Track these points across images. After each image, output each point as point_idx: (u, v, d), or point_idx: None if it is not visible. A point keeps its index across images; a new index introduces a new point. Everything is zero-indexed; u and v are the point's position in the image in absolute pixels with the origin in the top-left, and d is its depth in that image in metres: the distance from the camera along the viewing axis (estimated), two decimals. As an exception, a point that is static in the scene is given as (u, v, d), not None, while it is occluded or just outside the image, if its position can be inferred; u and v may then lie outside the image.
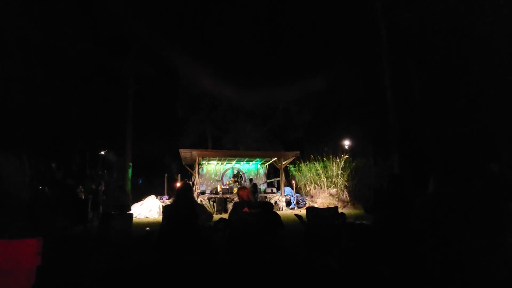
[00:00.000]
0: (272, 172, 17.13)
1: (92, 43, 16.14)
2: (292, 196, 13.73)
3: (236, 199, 10.99)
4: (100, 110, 19.78)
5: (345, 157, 14.33)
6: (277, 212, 4.28)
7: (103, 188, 9.84)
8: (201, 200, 12.10)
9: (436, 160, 13.48)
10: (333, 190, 13.92)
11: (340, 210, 4.35)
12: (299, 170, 15.37)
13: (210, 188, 14.12)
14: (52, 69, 16.50)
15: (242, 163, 15.49)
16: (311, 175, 14.72)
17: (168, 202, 11.97)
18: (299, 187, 15.12)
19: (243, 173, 15.41)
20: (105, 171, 16.14)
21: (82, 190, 8.55)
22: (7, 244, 1.43)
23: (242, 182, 14.73)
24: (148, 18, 17.61)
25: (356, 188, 13.90)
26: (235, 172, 15.15)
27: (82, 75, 17.65)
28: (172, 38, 18.98)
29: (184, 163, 15.27)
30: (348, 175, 14.10)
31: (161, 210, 11.00)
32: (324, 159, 14.65)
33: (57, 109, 17.46)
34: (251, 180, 11.69)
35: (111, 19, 16.04)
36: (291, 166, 15.69)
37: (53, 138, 17.42)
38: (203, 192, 12.92)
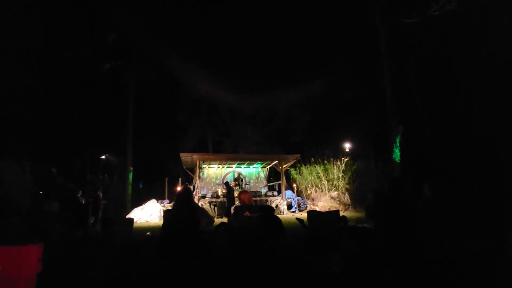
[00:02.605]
0: (273, 175, 17.11)
1: (93, 48, 16.23)
2: (293, 199, 13.69)
3: (237, 202, 10.97)
4: (101, 114, 19.85)
5: (345, 159, 14.31)
6: (278, 215, 4.27)
7: (102, 193, 9.80)
8: (202, 204, 12.07)
9: (436, 163, 13.46)
10: (334, 193, 13.88)
11: (341, 213, 4.34)
12: (300, 173, 15.35)
13: (211, 192, 14.10)
14: (53, 75, 16.59)
15: (242, 166, 15.48)
16: (312, 178, 14.69)
17: (168, 206, 11.95)
18: (300, 190, 15.09)
19: (244, 177, 15.40)
20: (106, 175, 16.14)
21: (82, 194, 8.53)
22: (8, 251, 1.43)
23: (243, 185, 14.72)
24: (149, 24, 17.72)
25: (358, 191, 13.86)
26: (236, 175, 15.14)
27: (83, 80, 17.73)
28: (173, 43, 19.10)
29: (185, 167, 15.27)
30: (349, 178, 14.07)
31: (162, 214, 10.98)
32: (325, 162, 14.63)
33: (57, 114, 17.53)
34: (226, 183, 11.08)
35: (112, 25, 16.15)
36: (292, 169, 15.67)
37: (54, 143, 17.45)
38: (204, 196, 12.90)
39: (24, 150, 13.12)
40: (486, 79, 12.74)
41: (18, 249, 1.45)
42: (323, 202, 13.59)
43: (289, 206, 13.29)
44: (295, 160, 14.55)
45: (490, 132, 12.30)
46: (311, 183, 14.69)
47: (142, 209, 11.55)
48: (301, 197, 14.45)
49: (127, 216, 10.32)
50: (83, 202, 8.71)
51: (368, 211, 3.33)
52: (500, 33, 11.95)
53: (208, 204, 12.27)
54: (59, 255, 3.47)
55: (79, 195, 8.26)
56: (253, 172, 15.88)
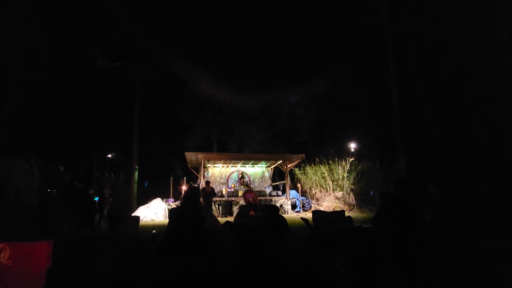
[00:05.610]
0: (277, 175, 17.09)
1: (99, 49, 16.40)
2: (298, 199, 13.66)
3: (241, 202, 10.98)
4: (107, 114, 20.08)
5: (350, 159, 14.23)
6: (283, 215, 4.26)
7: (108, 191, 9.91)
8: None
9: (442, 163, 13.32)
10: (339, 193, 13.81)
11: (346, 214, 4.31)
12: (304, 173, 15.30)
13: (215, 191, 14.14)
14: (60, 74, 16.81)
15: (247, 166, 15.50)
16: (317, 178, 14.64)
17: (173, 205, 12.02)
18: (305, 190, 15.04)
19: (249, 176, 15.42)
20: (112, 174, 16.30)
21: (92, 193, 8.68)
22: (19, 247, 1.46)
23: (249, 184, 14.77)
24: (154, 24, 17.86)
25: (363, 191, 13.77)
26: (240, 175, 15.17)
27: (89, 80, 17.93)
28: (178, 44, 19.22)
29: (189, 166, 15.34)
30: (354, 178, 13.98)
31: (167, 213, 11.05)
32: (330, 162, 14.56)
33: (65, 113, 17.76)
34: (207, 182, 10.82)
35: (118, 25, 16.31)
36: (296, 169, 15.63)
37: (61, 142, 17.68)
38: (208, 195, 12.92)
39: (32, 149, 13.32)
40: (492, 78, 12.57)
41: (29, 245, 1.48)
42: (328, 202, 13.54)
43: (294, 206, 13.26)
44: (299, 160, 14.52)
45: (496, 131, 12.15)
46: (316, 183, 14.63)
47: (147, 207, 11.64)
48: (305, 197, 14.40)
49: (133, 214, 10.41)
50: (95, 199, 8.87)
51: (372, 218, 3.28)
52: (507, 34, 11.78)
53: (211, 203, 12.30)
54: (67, 252, 3.52)
55: (91, 192, 8.41)
56: (258, 172, 15.89)
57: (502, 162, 10.93)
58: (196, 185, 14.05)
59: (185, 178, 14.31)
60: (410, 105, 14.62)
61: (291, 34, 22.27)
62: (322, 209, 12.59)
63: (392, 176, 12.85)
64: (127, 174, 15.86)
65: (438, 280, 3.09)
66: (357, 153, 16.34)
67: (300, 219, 4.62)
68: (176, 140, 22.24)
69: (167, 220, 5.93)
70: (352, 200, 13.53)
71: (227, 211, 12.33)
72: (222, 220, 7.63)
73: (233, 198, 12.59)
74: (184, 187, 12.92)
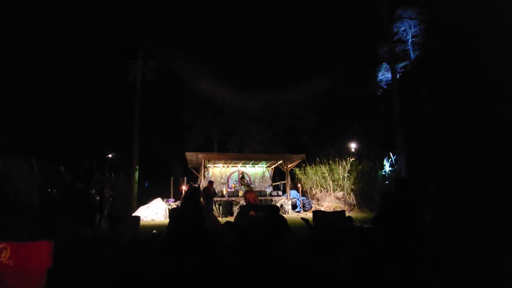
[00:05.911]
0: (278, 175, 17.09)
1: (100, 49, 16.42)
2: (298, 199, 13.65)
3: (242, 202, 10.98)
4: (107, 114, 20.09)
5: (351, 160, 14.22)
6: (283, 215, 4.27)
7: (108, 191, 9.90)
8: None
9: (443, 164, 13.31)
10: (339, 193, 13.79)
11: (346, 214, 4.31)
12: (305, 173, 15.30)
13: (216, 191, 14.13)
14: (61, 75, 16.82)
15: (247, 166, 15.50)
16: (317, 178, 14.63)
17: (174, 205, 12.02)
18: (305, 190, 15.03)
19: (249, 176, 15.43)
20: (112, 174, 16.30)
21: (94, 193, 8.68)
22: (20, 247, 1.46)
23: (249, 183, 14.77)
24: (154, 24, 17.88)
25: (363, 191, 13.75)
26: (240, 175, 15.17)
27: (90, 80, 17.95)
28: (178, 43, 19.25)
29: (190, 166, 15.34)
30: (354, 178, 13.97)
31: (167, 213, 11.04)
32: (330, 162, 14.55)
33: (65, 113, 17.78)
34: (210, 182, 10.81)
35: (119, 26, 16.32)
36: (296, 169, 15.63)
37: (61, 142, 17.70)
38: (208, 195, 12.91)
39: (33, 149, 13.33)
40: (492, 78, 12.57)
41: (30, 245, 1.48)
42: (328, 202, 13.52)
43: (294, 206, 13.25)
44: (300, 160, 14.51)
45: (496, 131, 12.15)
46: (316, 183, 14.62)
47: (147, 207, 11.64)
48: (306, 197, 14.39)
49: (133, 215, 10.41)
50: (97, 199, 8.86)
51: (373, 218, 3.28)
52: (506, 32, 11.77)
53: (212, 203, 12.30)
54: (68, 252, 3.52)
55: (92, 192, 8.41)
56: (258, 172, 15.89)
57: (502, 162, 10.93)
58: (197, 185, 14.05)
59: (185, 178, 14.31)
60: (410, 105, 14.62)
61: (291, 34, 22.31)
62: (322, 209, 12.58)
63: (392, 176, 12.85)
64: (127, 174, 15.86)
65: (438, 280, 3.09)
66: (357, 153, 16.32)
67: (301, 219, 4.62)
68: (176, 140, 22.27)
69: (167, 220, 5.93)
70: (353, 200, 13.51)
71: (228, 211, 12.32)
72: (222, 220, 7.64)
73: (233, 198, 12.58)
74: (184, 187, 12.92)
